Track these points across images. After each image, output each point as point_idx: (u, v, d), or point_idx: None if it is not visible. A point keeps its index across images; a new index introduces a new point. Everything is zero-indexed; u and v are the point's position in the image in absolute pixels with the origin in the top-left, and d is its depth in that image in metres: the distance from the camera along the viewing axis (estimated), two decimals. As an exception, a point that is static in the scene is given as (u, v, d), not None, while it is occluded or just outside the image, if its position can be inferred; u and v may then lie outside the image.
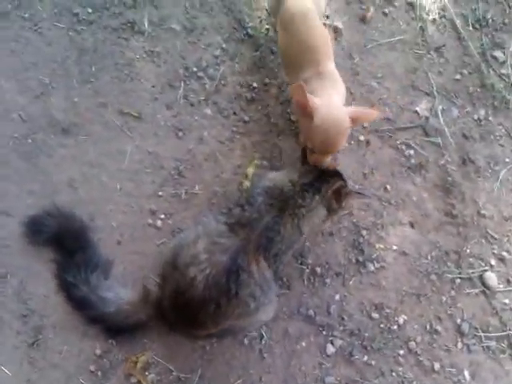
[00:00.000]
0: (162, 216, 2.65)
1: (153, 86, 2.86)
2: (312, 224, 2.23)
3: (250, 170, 2.75)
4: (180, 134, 2.79)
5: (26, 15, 2.88)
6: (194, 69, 2.90)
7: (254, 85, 2.91)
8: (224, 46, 2.96)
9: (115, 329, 2.38)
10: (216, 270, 1.99)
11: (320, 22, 2.42)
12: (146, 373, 2.42)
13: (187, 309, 2.06)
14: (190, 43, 2.95)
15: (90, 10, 2.92)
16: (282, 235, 2.13)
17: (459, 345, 2.62)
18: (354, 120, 2.10)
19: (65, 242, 2.47)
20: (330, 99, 2.16)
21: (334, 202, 2.24)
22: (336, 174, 2.29)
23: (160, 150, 2.76)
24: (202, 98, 2.87)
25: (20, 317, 2.45)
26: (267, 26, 3.00)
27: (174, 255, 2.12)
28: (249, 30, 2.98)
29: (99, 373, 2.40)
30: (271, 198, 2.16)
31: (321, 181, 2.22)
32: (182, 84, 2.87)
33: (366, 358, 2.54)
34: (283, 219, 2.14)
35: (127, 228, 2.63)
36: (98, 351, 2.42)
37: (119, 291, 2.39)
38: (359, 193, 2.43)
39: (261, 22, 3.01)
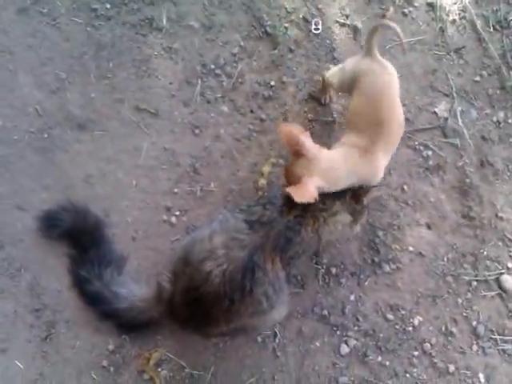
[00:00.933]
0: (177, 213, 2.65)
1: (170, 83, 2.85)
2: (335, 231, 2.24)
3: (267, 169, 2.73)
4: (196, 131, 2.78)
5: (45, 10, 2.88)
6: (212, 66, 2.89)
7: (272, 83, 2.89)
8: (242, 43, 2.95)
9: (128, 325, 2.38)
10: (233, 266, 1.99)
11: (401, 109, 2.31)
12: (159, 369, 2.43)
13: (200, 304, 2.05)
14: (207, 40, 2.94)
15: (108, 6, 2.92)
16: (302, 237, 2.13)
17: (474, 347, 2.60)
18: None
19: (79, 237, 2.47)
20: (330, 174, 2.09)
21: (354, 204, 2.24)
22: None
23: (176, 147, 2.75)
24: (219, 96, 2.86)
25: (33, 311, 2.46)
26: (286, 25, 2.98)
27: (186, 251, 2.12)
28: (267, 28, 2.96)
29: (111, 368, 2.40)
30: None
31: None
32: (199, 81, 2.87)
33: (380, 358, 2.53)
34: (305, 220, 2.14)
35: (142, 224, 2.63)
36: (111, 347, 2.43)
37: (133, 287, 2.39)
38: (374, 186, 2.41)
39: (279, 20, 2.99)
